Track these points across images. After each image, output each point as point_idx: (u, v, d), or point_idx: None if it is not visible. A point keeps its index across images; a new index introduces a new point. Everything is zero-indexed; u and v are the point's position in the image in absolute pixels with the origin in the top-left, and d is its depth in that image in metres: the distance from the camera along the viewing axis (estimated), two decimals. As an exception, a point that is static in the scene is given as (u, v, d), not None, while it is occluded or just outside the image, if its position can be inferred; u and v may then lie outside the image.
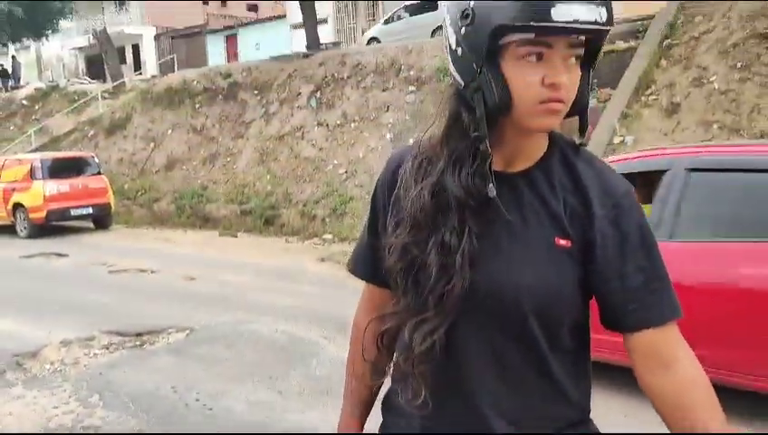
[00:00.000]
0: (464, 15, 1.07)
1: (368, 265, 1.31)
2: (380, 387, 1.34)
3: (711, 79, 9.53)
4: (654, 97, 9.98)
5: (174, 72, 22.76)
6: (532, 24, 1.00)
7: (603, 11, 1.02)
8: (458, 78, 1.13)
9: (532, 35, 1.03)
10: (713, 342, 3.41)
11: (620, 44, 11.58)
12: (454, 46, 1.12)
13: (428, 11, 16.14)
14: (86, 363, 5.12)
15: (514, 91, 1.06)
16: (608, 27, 1.04)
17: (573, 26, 1.01)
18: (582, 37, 1.06)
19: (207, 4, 31.81)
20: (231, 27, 29.57)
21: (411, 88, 13.36)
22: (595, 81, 11.56)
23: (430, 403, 1.13)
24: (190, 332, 5.82)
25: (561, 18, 0.99)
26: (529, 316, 1.10)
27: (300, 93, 15.21)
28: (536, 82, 1.05)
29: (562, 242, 1.11)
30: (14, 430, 3.88)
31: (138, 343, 5.60)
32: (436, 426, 1.18)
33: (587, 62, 1.11)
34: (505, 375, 1.14)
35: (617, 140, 9.66)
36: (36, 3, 26.58)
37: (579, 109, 1.13)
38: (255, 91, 16.26)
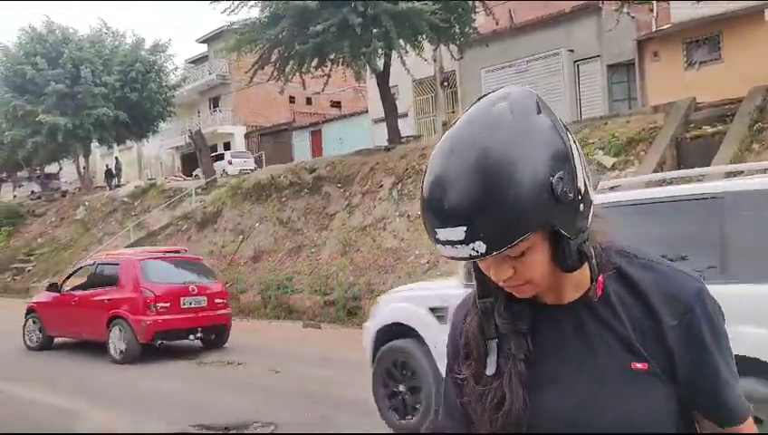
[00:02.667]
0: None
1: (455, 412, 1.28)
2: None
3: (809, 162, 9.11)
4: (748, 182, 9.61)
5: (262, 167, 23.86)
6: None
7: (479, 245, 0.98)
8: None
9: None
10: None
11: (707, 129, 11.34)
12: None
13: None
14: (175, 458, 5.17)
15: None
16: (503, 248, 1.00)
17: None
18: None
19: (294, 102, 33.54)
20: (315, 124, 30.96)
21: (492, 178, 13.42)
22: (683, 166, 11.28)
23: None
24: (275, 428, 5.81)
25: (443, 253, 1.03)
26: None
27: (381, 185, 15.56)
28: (485, 270, 1.11)
29: (639, 365, 1.08)
30: None
31: (225, 437, 5.63)
32: None
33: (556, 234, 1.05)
34: None
35: (710, 226, 9.29)
36: (139, 108, 28.83)
37: (566, 269, 1.08)
38: (339, 184, 16.76)
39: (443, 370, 3.89)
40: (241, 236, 17.74)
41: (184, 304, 9.94)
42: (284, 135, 32.08)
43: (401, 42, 16.08)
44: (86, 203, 26.70)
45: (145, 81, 28.67)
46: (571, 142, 1.05)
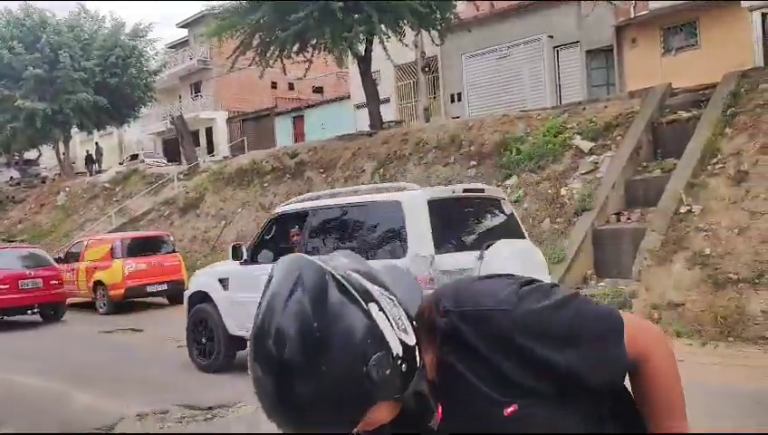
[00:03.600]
0: None
1: None
2: None
3: (780, 146, 9.36)
4: (720, 166, 9.84)
5: (244, 153, 23.84)
6: None
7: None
8: None
9: None
10: None
11: (682, 114, 11.55)
12: None
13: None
14: (160, 436, 5.30)
15: None
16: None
17: None
18: None
19: (276, 88, 33.44)
20: (298, 109, 30.92)
21: (472, 162, 13.58)
22: (659, 150, 11.52)
23: None
24: (259, 407, 5.93)
25: None
26: None
27: (364, 170, 15.66)
28: None
29: (510, 410, 1.14)
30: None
31: (209, 416, 5.76)
32: None
33: None
34: None
35: (683, 209, 9.52)
36: (120, 93, 28.59)
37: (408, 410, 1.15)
38: (321, 170, 16.84)
39: (228, 324, 6.49)
40: (223, 222, 17.78)
41: (22, 285, 12.40)
42: (266, 120, 32.01)
43: (383, 27, 16.12)
44: (67, 189, 26.53)
45: (125, 66, 28.42)
46: (375, 306, 1.05)
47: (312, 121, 29.41)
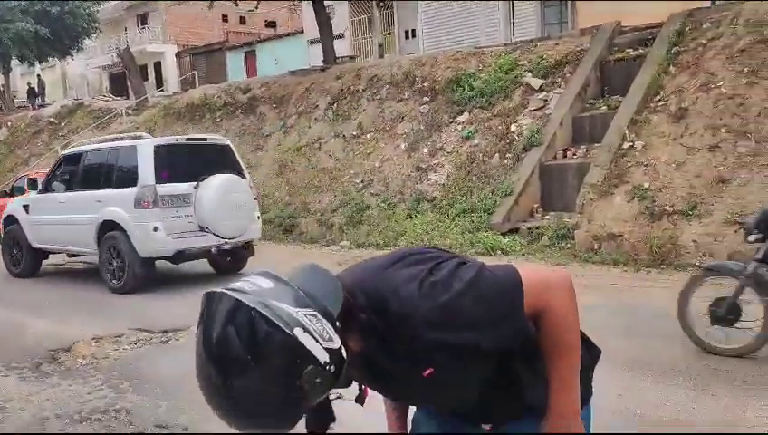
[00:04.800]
0: None
1: None
2: None
3: (718, 84, 9.70)
4: (663, 103, 10.18)
5: (195, 87, 23.32)
6: None
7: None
8: None
9: None
10: None
11: (630, 52, 11.80)
12: None
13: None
14: (116, 357, 5.44)
15: None
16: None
17: None
18: None
19: (227, 21, 32.49)
20: (250, 44, 30.20)
21: (425, 98, 13.67)
22: (606, 88, 11.80)
23: None
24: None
25: None
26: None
27: (317, 106, 15.59)
28: None
29: (427, 372, 1.35)
30: (52, 411, 4.19)
31: (164, 338, 5.92)
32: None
33: None
34: None
35: (626, 145, 9.87)
36: (61, 23, 27.39)
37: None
38: (274, 105, 16.67)
39: (30, 238, 9.79)
40: (175, 157, 17.54)
41: None
42: (218, 55, 31.20)
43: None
44: (9, 123, 25.60)
45: (67, -6, 27.17)
46: (300, 330, 1.18)
47: (264, 57, 28.81)
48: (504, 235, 10.12)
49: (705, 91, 9.77)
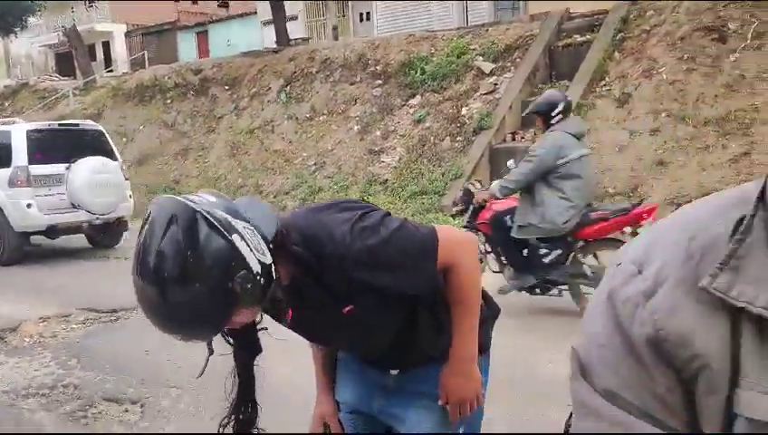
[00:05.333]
0: None
1: None
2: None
3: (660, 70, 10.06)
4: (607, 88, 10.49)
5: (145, 68, 22.86)
6: None
7: (177, 337, 1.35)
8: None
9: None
10: None
11: (577, 38, 12.09)
12: None
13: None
14: (64, 336, 5.42)
15: None
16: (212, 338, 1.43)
17: None
18: None
19: (178, 1, 31.85)
20: (202, 24, 29.68)
21: (378, 81, 13.74)
22: (554, 73, 12.07)
23: None
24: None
25: None
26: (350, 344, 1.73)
27: (270, 88, 15.51)
28: None
29: (347, 309, 1.52)
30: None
31: (113, 317, 5.91)
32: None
33: None
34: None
35: (572, 128, 10.14)
36: (4, 1, 26.42)
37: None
38: (226, 87, 16.51)
39: None
40: (124, 139, 17.22)
41: None
42: (169, 35, 30.58)
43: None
44: (-52, 103, 24.67)
45: (8, -32, 26.15)
46: (240, 240, 1.29)
47: (217, 37, 28.38)
48: (453, 216, 10.29)
49: (648, 76, 10.11)
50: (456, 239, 1.59)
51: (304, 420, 1.93)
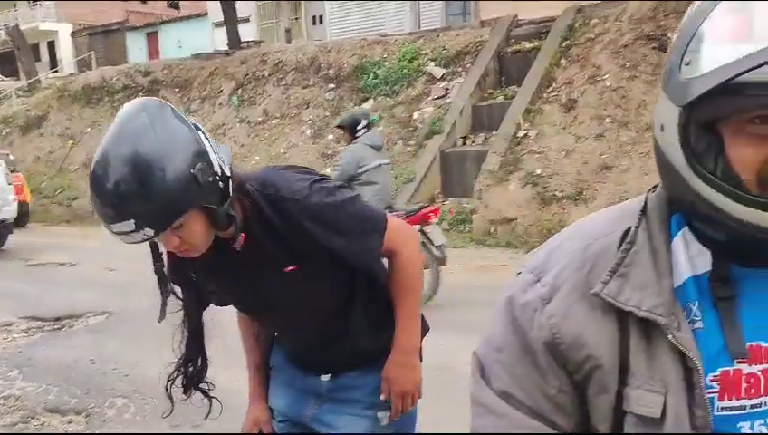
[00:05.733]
0: None
1: None
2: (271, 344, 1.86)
3: (604, 77, 10.35)
4: (554, 94, 10.74)
5: (92, 69, 22.35)
6: None
7: (147, 230, 1.29)
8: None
9: None
10: None
11: (526, 44, 12.33)
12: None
13: None
14: (5, 347, 5.28)
15: None
16: (167, 225, 1.32)
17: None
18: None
19: (127, 0, 31.23)
20: (152, 25, 29.18)
21: (330, 85, 13.76)
22: (504, 78, 12.28)
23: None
24: (109, 315, 6.04)
25: (122, 241, 1.36)
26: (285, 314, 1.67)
27: (221, 91, 15.36)
28: (160, 245, 1.44)
29: (290, 268, 1.54)
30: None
31: (57, 326, 5.79)
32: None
33: (213, 213, 1.39)
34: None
35: (521, 133, 10.36)
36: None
37: (220, 229, 1.44)
38: (176, 89, 16.28)
39: None
40: (71, 142, 16.82)
41: None
42: (117, 36, 29.96)
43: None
44: None
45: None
46: (204, 138, 1.35)
47: (167, 39, 27.93)
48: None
49: (593, 83, 10.39)
50: (403, 229, 1.65)
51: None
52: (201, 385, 1.69)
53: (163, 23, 29.01)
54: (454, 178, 11.06)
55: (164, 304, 1.52)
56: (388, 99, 12.80)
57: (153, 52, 27.99)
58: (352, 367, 1.69)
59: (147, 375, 4.31)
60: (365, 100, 13.06)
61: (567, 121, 10.13)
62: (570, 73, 10.84)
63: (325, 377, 1.71)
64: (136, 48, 28.79)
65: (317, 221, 1.47)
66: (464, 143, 11.52)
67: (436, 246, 5.58)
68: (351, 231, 1.52)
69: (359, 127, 5.73)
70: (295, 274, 1.53)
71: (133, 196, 1.27)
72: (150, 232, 1.30)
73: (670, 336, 0.78)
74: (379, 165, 5.64)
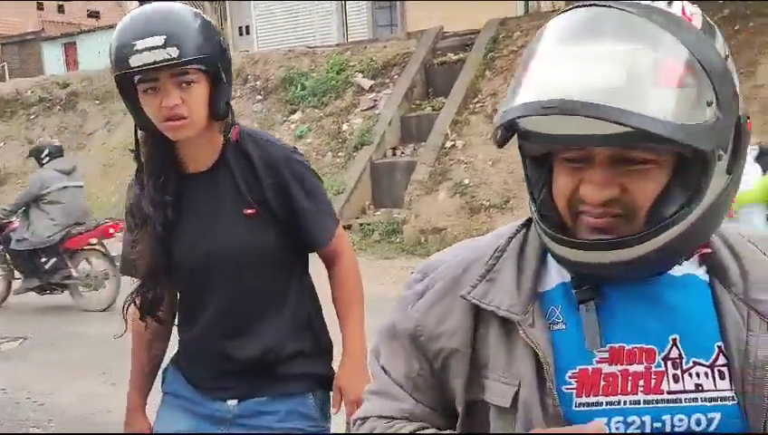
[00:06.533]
0: None
1: (129, 266, 1.67)
2: (161, 361, 1.77)
3: (527, 88, 10.61)
4: (480, 105, 10.94)
5: (5, 81, 21.35)
6: (121, 71, 1.42)
7: (173, 50, 1.37)
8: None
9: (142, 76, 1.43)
10: None
11: (452, 56, 12.52)
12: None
13: None
14: None
15: (148, 114, 1.46)
16: (190, 59, 1.41)
17: (149, 68, 1.38)
18: (186, 68, 1.43)
19: (43, 9, 30.06)
20: (70, 35, 28.14)
21: (258, 97, 13.59)
22: (431, 89, 12.43)
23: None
24: (23, 340, 5.74)
25: (137, 64, 1.39)
26: (228, 267, 1.57)
27: (145, 103, 14.94)
28: (156, 107, 1.44)
29: (249, 211, 1.54)
30: None
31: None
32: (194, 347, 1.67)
33: (216, 81, 1.47)
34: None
35: (448, 144, 10.50)
36: None
37: (218, 114, 1.50)
38: (97, 102, 15.74)
39: None
40: (-18, 157, 16.00)
41: None
42: (32, 45, 28.74)
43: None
44: None
45: None
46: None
47: (86, 49, 26.97)
48: None
49: (517, 94, 10.63)
50: (346, 236, 1.72)
51: None
52: (158, 314, 1.62)
53: (82, 33, 28.03)
54: (384, 188, 11.09)
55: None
56: (316, 110, 12.74)
57: (71, 63, 27.00)
58: (261, 389, 1.62)
59: (62, 404, 4.11)
60: (293, 111, 12.97)
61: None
62: (494, 85, 11.07)
63: (232, 402, 1.62)
64: (53, 59, 27.68)
65: (294, 175, 1.55)
66: (393, 154, 11.58)
67: (112, 257, 6.37)
68: (318, 202, 1.59)
69: (43, 155, 6.75)
70: (252, 221, 1.53)
71: (173, 15, 1.42)
72: (175, 52, 1.36)
73: (522, 332, 0.87)
74: (65, 187, 6.58)
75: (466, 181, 9.77)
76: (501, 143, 0.92)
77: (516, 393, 0.87)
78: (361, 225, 10.37)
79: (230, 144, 1.53)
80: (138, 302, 1.60)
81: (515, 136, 0.90)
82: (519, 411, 0.87)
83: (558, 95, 0.75)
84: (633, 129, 0.73)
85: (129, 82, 1.44)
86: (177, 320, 1.71)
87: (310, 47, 14.96)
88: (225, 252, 1.54)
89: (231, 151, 1.54)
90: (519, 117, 0.80)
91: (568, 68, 0.77)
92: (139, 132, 1.55)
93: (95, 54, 25.46)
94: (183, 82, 1.41)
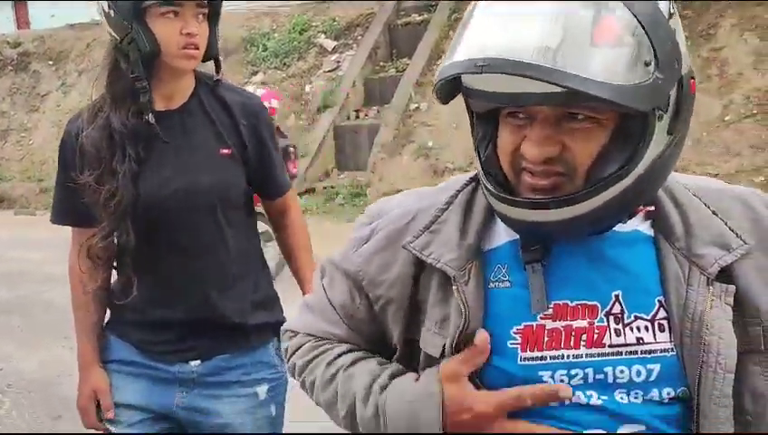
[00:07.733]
0: None
1: (70, 213, 1.62)
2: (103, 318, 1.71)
3: (491, 50, 10.58)
4: (444, 66, 10.87)
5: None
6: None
7: None
8: (114, 34, 1.45)
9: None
10: None
11: (415, 17, 12.39)
12: (107, 9, 1.49)
13: None
14: None
15: (160, 40, 1.44)
16: None
17: None
18: (205, 1, 1.49)
19: (-10, -34, 28.74)
20: (20, -7, 27.04)
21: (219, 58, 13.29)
22: (395, 51, 12.31)
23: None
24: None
25: None
26: (202, 206, 1.57)
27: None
28: (174, 33, 1.45)
29: (225, 151, 1.55)
30: None
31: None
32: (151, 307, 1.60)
33: (212, 21, 1.56)
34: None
35: (413, 106, 10.45)
36: None
37: (211, 55, 1.59)
38: (50, 62, 15.24)
39: None
40: (-71, 120, 15.40)
41: None
42: (-20, 4, 27.55)
43: None
44: None
45: None
46: None
47: (38, 8, 25.91)
48: (300, 195, 10.29)
49: (480, 55, 10.60)
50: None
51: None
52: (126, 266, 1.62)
53: (33, -10, 26.94)
54: (348, 151, 11.04)
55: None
56: (278, 72, 12.53)
57: (22, 22, 25.93)
58: (224, 346, 1.61)
59: (22, 369, 4.05)
60: (255, 73, 12.73)
61: (457, 94, 10.30)
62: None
63: (195, 362, 1.61)
64: (2, 18, 26.58)
65: (267, 125, 1.63)
66: (357, 117, 11.49)
67: None
68: (279, 156, 1.67)
69: None
70: (227, 160, 1.56)
71: None
72: None
73: (455, 288, 0.89)
74: None
75: (430, 144, 9.77)
76: (445, 100, 0.93)
77: (444, 346, 0.90)
78: (325, 188, 10.32)
79: (202, 86, 1.58)
80: (98, 252, 1.55)
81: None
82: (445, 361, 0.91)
83: (492, 53, 0.75)
84: (565, 89, 0.72)
85: (138, 4, 1.45)
86: (117, 286, 1.66)
87: (271, 7, 14.63)
88: (201, 189, 1.52)
89: (204, 93, 1.57)
90: (454, 75, 0.80)
91: (503, 26, 0.77)
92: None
93: (47, 13, 24.51)
94: (200, 14, 1.47)
